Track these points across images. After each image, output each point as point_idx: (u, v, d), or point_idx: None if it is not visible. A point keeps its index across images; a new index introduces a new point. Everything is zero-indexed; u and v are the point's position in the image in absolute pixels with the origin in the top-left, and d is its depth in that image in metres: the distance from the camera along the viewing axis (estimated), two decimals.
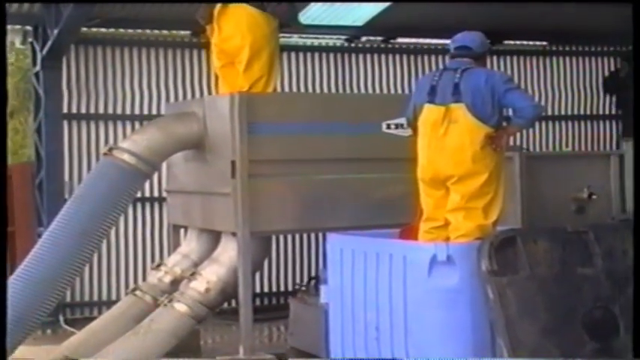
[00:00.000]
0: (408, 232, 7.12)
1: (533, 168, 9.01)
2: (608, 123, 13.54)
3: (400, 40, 12.36)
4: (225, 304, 8.71)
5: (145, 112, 11.13)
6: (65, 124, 10.83)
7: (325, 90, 11.87)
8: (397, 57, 12.32)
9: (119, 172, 7.76)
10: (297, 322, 9.03)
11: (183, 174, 8.75)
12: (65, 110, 10.83)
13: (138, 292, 8.42)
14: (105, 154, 7.91)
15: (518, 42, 13.00)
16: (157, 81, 11.28)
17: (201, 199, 8.48)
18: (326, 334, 7.57)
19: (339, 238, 7.42)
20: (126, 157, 7.76)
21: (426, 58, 12.44)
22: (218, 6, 8.20)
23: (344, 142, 8.14)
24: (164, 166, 8.89)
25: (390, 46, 12.33)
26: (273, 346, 9.22)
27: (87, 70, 10.97)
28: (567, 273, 6.43)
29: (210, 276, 8.00)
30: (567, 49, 13.27)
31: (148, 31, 11.33)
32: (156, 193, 10.98)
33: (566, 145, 13.15)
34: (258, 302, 10.85)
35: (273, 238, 9.79)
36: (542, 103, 12.56)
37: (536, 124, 12.25)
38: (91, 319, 8.95)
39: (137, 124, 10.85)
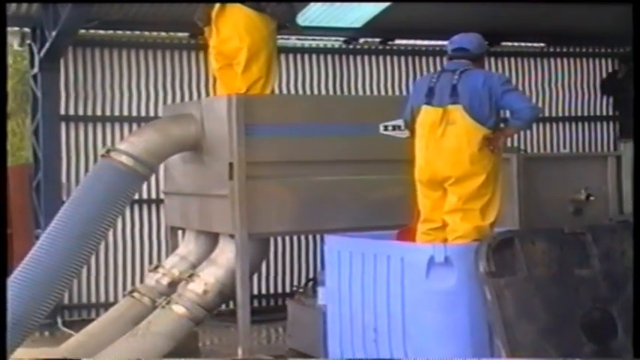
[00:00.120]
0: (406, 233, 7.12)
1: (531, 169, 9.03)
2: (605, 124, 13.50)
3: (398, 41, 12.33)
4: (224, 306, 8.73)
5: (143, 114, 11.11)
6: (63, 125, 10.81)
7: (323, 92, 11.84)
8: (395, 58, 12.30)
9: (117, 174, 7.75)
10: (296, 324, 9.01)
11: (181, 176, 8.74)
12: (63, 112, 10.80)
13: (136, 294, 8.40)
14: (102, 155, 7.90)
15: (515, 43, 12.98)
16: (155, 83, 11.26)
17: (198, 201, 8.46)
18: (324, 336, 7.56)
19: (337, 240, 7.41)
20: (123, 159, 7.75)
21: (423, 59, 12.42)
22: (216, 7, 8.19)
23: (342, 144, 8.12)
24: (161, 167, 8.90)
25: (387, 47, 12.31)
26: (271, 348, 9.21)
27: (85, 72, 10.95)
28: (565, 274, 6.42)
29: (208, 278, 7.99)
30: (565, 50, 13.25)
31: (145, 32, 11.30)
32: (153, 195, 10.95)
33: (564, 147, 13.14)
34: (256, 304, 10.83)
35: (271, 239, 9.78)
36: (540, 104, 12.57)
37: (534, 126, 12.22)
38: (89, 321, 8.92)
39: (135, 126, 10.84)
